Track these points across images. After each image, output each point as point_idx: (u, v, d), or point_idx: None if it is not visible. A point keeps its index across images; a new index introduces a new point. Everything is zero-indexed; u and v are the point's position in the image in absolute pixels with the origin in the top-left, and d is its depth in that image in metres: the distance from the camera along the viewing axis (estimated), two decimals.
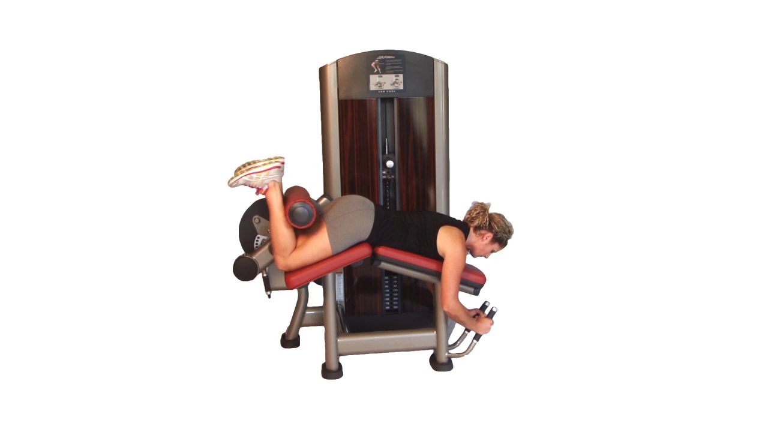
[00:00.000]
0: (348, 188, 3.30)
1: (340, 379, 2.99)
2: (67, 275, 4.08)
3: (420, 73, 3.28)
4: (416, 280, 3.33)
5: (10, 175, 4.25)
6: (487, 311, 3.07)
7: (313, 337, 3.47)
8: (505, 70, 4.50)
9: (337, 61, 3.22)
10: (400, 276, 3.41)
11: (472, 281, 2.99)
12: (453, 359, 3.09)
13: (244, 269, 2.98)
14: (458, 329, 3.27)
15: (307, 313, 3.46)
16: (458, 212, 3.21)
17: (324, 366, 3.02)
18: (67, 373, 3.04)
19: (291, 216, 2.80)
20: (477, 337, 2.99)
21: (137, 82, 4.32)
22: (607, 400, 2.73)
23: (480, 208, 3.04)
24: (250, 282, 3.17)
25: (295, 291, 3.45)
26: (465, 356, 3.05)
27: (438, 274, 2.93)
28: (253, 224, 3.07)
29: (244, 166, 2.81)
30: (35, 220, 4.25)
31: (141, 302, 3.86)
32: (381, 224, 2.90)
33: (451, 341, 3.15)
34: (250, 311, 3.80)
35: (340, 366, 3.02)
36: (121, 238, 4.32)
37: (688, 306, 3.76)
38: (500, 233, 3.01)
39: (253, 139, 4.19)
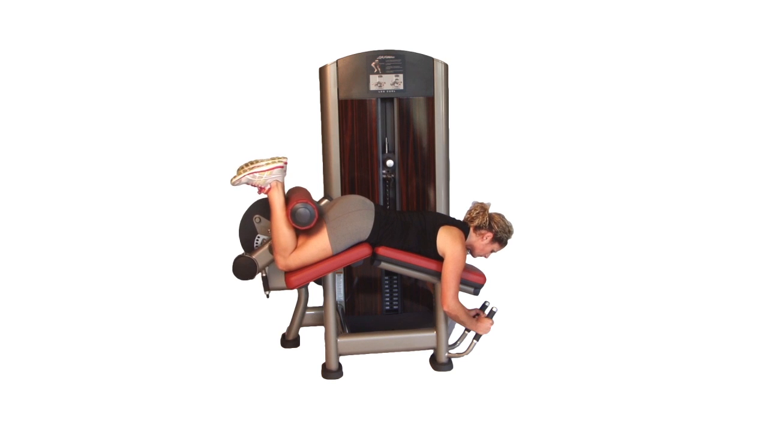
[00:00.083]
0: (348, 188, 3.30)
1: (340, 379, 2.99)
2: (67, 275, 4.08)
3: (420, 73, 3.28)
4: (416, 280, 3.33)
5: (10, 175, 4.25)
6: (487, 311, 3.07)
7: (313, 337, 3.47)
8: (505, 70, 4.50)
9: (337, 61, 3.22)
10: (400, 276, 3.41)
11: (472, 281, 2.99)
12: (453, 359, 3.09)
13: (243, 268, 2.98)
14: (458, 329, 3.27)
15: (307, 313, 3.46)
16: (458, 212, 3.21)
17: (324, 366, 3.02)
18: (66, 373, 3.04)
19: (293, 216, 2.80)
20: (477, 337, 2.99)
21: (138, 82, 4.32)
22: (607, 399, 2.73)
23: (480, 208, 3.04)
24: (249, 282, 3.17)
25: (295, 291, 3.45)
26: (465, 356, 3.05)
27: (438, 274, 2.93)
28: (253, 224, 3.07)
29: (247, 165, 2.81)
30: (36, 220, 4.25)
31: (141, 302, 3.86)
32: (381, 224, 2.90)
33: (451, 341, 3.15)
34: (250, 311, 3.80)
35: (340, 366, 3.02)
36: (121, 237, 4.32)
37: (688, 305, 3.76)
38: (500, 233, 3.01)
39: (254, 139, 4.19)
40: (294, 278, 2.87)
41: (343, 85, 3.24)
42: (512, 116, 4.56)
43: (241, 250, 3.09)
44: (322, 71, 3.26)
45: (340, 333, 3.03)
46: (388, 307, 3.45)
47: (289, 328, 3.41)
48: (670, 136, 4.64)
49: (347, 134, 3.27)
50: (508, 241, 3.07)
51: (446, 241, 2.90)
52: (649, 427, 2.53)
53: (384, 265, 2.94)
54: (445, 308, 2.87)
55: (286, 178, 2.91)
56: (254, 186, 2.84)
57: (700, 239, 4.46)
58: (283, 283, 3.08)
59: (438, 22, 4.39)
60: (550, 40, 4.51)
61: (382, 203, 3.37)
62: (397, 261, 2.92)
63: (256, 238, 3.07)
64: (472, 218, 3.03)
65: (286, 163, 2.86)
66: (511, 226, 3.05)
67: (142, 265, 4.21)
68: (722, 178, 4.60)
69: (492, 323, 2.98)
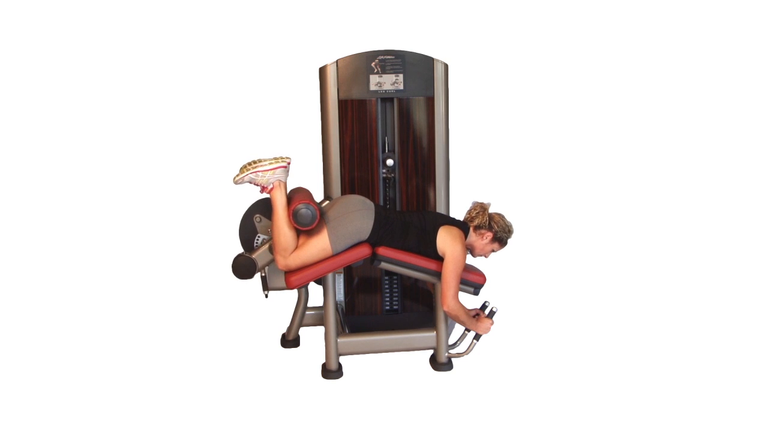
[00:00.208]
0: (348, 188, 3.30)
1: (340, 379, 2.99)
2: (67, 274, 4.08)
3: (420, 73, 3.27)
4: (416, 280, 3.33)
5: (10, 175, 4.25)
6: (487, 311, 3.07)
7: (313, 337, 3.47)
8: (505, 70, 4.50)
9: (337, 61, 3.22)
10: (400, 276, 3.41)
11: (472, 281, 2.99)
12: (453, 359, 3.09)
13: (242, 267, 2.99)
14: (458, 329, 3.27)
15: (307, 313, 3.46)
16: (458, 212, 3.21)
17: (324, 366, 3.02)
18: (66, 373, 3.04)
19: (295, 217, 2.80)
20: (477, 337, 2.99)
21: (139, 82, 4.32)
22: (607, 399, 2.73)
23: (480, 208, 3.04)
24: (249, 281, 3.17)
25: (295, 291, 3.45)
26: (465, 356, 3.05)
27: (438, 274, 2.93)
28: (254, 223, 3.07)
29: (250, 164, 2.81)
30: (36, 220, 4.25)
31: (141, 301, 3.86)
32: (381, 224, 2.90)
33: (451, 341, 3.15)
34: (250, 311, 3.80)
35: (340, 366, 3.02)
36: (121, 237, 4.32)
37: (688, 305, 3.76)
38: (500, 233, 3.01)
39: (254, 139, 4.19)
40: (294, 278, 2.87)
41: (343, 85, 3.24)
42: (512, 116, 4.56)
43: (241, 250, 3.09)
44: (322, 71, 3.26)
45: (340, 333, 3.03)
46: (388, 307, 3.45)
47: (289, 328, 3.41)
48: (670, 136, 4.64)
49: (347, 134, 3.27)
50: (508, 240, 3.07)
51: (446, 240, 2.90)
52: (649, 427, 2.53)
53: (384, 265, 2.94)
54: (445, 308, 2.87)
55: (287, 178, 2.91)
56: (257, 185, 2.84)
57: (699, 239, 4.46)
58: (282, 283, 3.09)
59: (438, 22, 4.39)
60: (550, 40, 4.52)
61: (382, 203, 3.36)
62: (397, 261, 2.92)
63: (257, 237, 3.07)
64: (472, 218, 3.03)
65: (289, 163, 2.86)
66: (510, 226, 3.05)
67: (142, 264, 4.21)
68: (722, 177, 4.60)
69: (492, 323, 2.98)
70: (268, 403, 2.75)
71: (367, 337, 3.03)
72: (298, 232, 2.88)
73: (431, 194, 3.36)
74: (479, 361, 3.13)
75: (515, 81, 4.50)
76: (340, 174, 3.29)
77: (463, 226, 3.01)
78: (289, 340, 3.41)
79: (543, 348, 3.28)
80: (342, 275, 3.39)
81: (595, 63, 4.55)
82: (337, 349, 2.99)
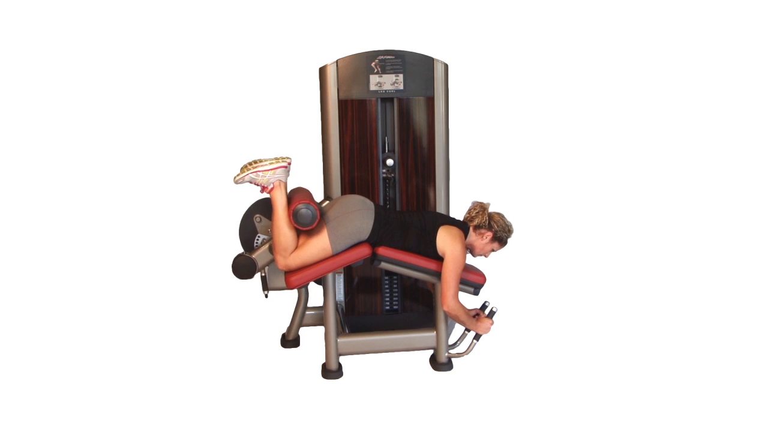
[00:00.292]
0: (348, 188, 3.30)
1: (340, 379, 2.98)
2: (67, 274, 4.08)
3: (420, 73, 3.27)
4: (416, 280, 3.33)
5: (10, 175, 4.25)
6: (487, 311, 3.07)
7: (313, 337, 3.47)
8: (505, 70, 4.50)
9: (337, 61, 3.22)
10: (400, 276, 3.41)
11: (472, 281, 2.99)
12: (453, 359, 3.09)
13: (242, 267, 2.99)
14: (458, 329, 3.27)
15: (307, 313, 3.46)
16: (458, 212, 3.21)
17: (324, 366, 3.02)
18: (66, 373, 3.03)
19: (295, 217, 2.80)
20: (477, 337, 2.99)
21: (139, 83, 4.32)
22: (607, 399, 2.73)
23: (479, 208, 3.04)
24: (249, 281, 3.17)
25: (295, 291, 3.45)
26: (465, 356, 3.05)
27: (438, 274, 2.93)
28: (254, 223, 3.07)
29: (250, 164, 2.82)
30: (37, 220, 4.25)
31: (141, 301, 3.86)
32: (381, 224, 2.90)
33: (451, 341, 3.15)
34: (250, 311, 3.80)
35: (340, 366, 3.02)
36: (122, 237, 4.32)
37: (688, 305, 3.76)
38: (500, 232, 3.01)
39: (254, 139, 4.19)
40: (294, 278, 2.87)
41: (343, 85, 3.24)
42: (512, 116, 4.56)
43: (241, 250, 3.09)
44: (322, 71, 3.26)
45: (340, 333, 3.03)
46: (388, 307, 3.45)
47: (289, 328, 3.41)
48: (669, 136, 4.64)
49: (347, 134, 3.27)
50: (508, 240, 3.07)
51: (446, 240, 2.90)
52: (649, 426, 2.53)
53: (384, 265, 2.94)
54: (445, 308, 2.87)
55: (288, 178, 2.91)
56: (257, 185, 2.84)
57: (699, 238, 4.46)
58: (282, 283, 3.09)
59: (438, 22, 4.39)
60: (550, 40, 4.52)
61: (382, 203, 3.37)
62: (397, 261, 2.92)
63: (257, 237, 3.07)
64: (472, 218, 3.03)
65: (289, 164, 2.86)
66: (510, 226, 3.05)
67: (142, 264, 4.21)
68: (722, 177, 4.60)
69: (492, 323, 2.98)
70: (268, 403, 2.75)
71: (367, 337, 3.03)
72: (298, 232, 2.88)
73: (431, 194, 3.36)
74: (479, 361, 3.13)
75: (515, 81, 4.50)
76: (340, 174, 3.29)
77: (462, 226, 3.01)
78: (289, 340, 3.41)
79: (543, 348, 3.28)
80: (342, 275, 3.39)
81: (595, 63, 4.55)
82: (337, 349, 2.99)
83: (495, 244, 3.05)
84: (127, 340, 3.39)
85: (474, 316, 3.01)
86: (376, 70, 3.24)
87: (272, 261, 3.00)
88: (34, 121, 4.28)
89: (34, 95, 4.25)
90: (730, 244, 4.40)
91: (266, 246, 3.00)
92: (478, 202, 3.07)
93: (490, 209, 3.05)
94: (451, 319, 3.00)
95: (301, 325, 3.41)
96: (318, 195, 3.36)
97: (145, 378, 2.98)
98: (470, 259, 3.13)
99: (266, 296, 3.14)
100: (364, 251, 2.90)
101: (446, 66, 3.32)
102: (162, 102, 4.33)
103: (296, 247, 2.87)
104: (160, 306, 3.83)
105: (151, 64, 4.32)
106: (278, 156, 2.86)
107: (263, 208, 3.07)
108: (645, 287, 4.02)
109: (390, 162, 3.35)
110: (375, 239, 2.91)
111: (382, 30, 4.26)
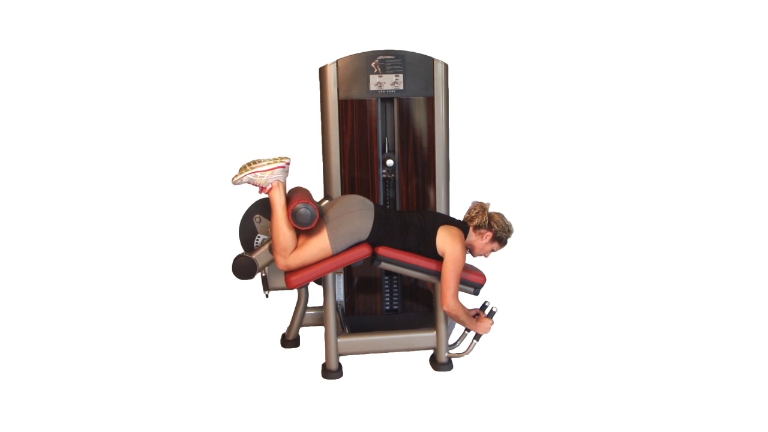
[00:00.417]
0: (348, 188, 3.30)
1: (340, 379, 2.99)
2: (67, 275, 4.08)
3: (420, 73, 3.27)
4: (416, 280, 3.33)
5: (10, 175, 4.25)
6: (487, 311, 3.07)
7: (313, 337, 3.47)
8: (505, 70, 4.50)
9: (337, 61, 3.22)
10: (400, 276, 3.41)
11: (472, 281, 2.99)
12: (453, 359, 3.09)
13: (243, 268, 2.99)
14: (458, 329, 3.27)
15: (307, 313, 3.46)
16: (458, 212, 3.21)
17: (324, 366, 3.02)
18: (66, 373, 3.04)
19: (294, 217, 2.80)
20: (477, 337, 2.99)
21: (138, 83, 4.32)
22: (607, 399, 2.73)
23: (479, 208, 3.04)
24: (249, 281, 3.17)
25: (295, 291, 3.45)
26: (465, 356, 3.04)
27: (438, 274, 2.93)
28: (253, 223, 3.07)
29: (249, 164, 2.82)
30: (37, 220, 4.25)
31: (141, 302, 3.86)
32: (381, 224, 2.90)
33: (451, 341, 3.15)
34: (250, 311, 3.80)
35: (340, 366, 3.02)
36: (121, 237, 4.32)
37: (688, 305, 3.76)
38: (500, 232, 3.01)
39: (254, 139, 4.19)
40: (294, 278, 2.87)
41: (343, 85, 3.24)
42: (512, 116, 4.56)
43: (241, 250, 3.09)
44: (322, 71, 3.26)
45: (340, 333, 3.03)
46: (388, 307, 3.45)
47: (289, 328, 3.41)
48: (669, 136, 4.64)
49: (347, 134, 3.27)
50: (508, 240, 3.07)
51: (446, 240, 2.90)
52: (649, 426, 2.53)
53: (384, 265, 2.94)
54: (445, 308, 2.87)
55: (287, 178, 2.91)
56: (255, 185, 2.84)
57: (699, 238, 4.46)
58: (282, 283, 3.09)
59: (438, 22, 4.39)
60: (550, 40, 4.52)
61: (382, 203, 3.37)
62: (397, 261, 2.92)
63: (257, 237, 3.07)
64: (472, 218, 3.03)
65: (288, 164, 2.86)
66: (510, 226, 3.05)
67: (142, 265, 4.21)
68: (722, 177, 4.60)
69: (492, 323, 2.98)
70: (268, 403, 2.75)
71: (367, 337, 3.03)
72: (298, 232, 2.88)
73: (431, 194, 3.36)
74: (479, 361, 3.13)
75: (515, 81, 4.50)
76: (340, 174, 3.29)
77: (462, 226, 3.01)
78: (289, 340, 3.41)
79: (543, 348, 3.28)
80: (342, 275, 3.39)
81: (595, 63, 4.55)
82: (337, 349, 2.99)
83: (495, 244, 3.05)
84: (127, 341, 3.39)
85: (474, 316, 3.01)
86: (376, 70, 3.24)
87: (272, 261, 2.99)
88: (34, 122, 4.28)
89: (33, 96, 4.25)
90: (729, 244, 4.40)
91: (266, 246, 3.00)
92: (478, 202, 3.07)
93: (490, 209, 3.05)
94: (451, 319, 3.00)
95: (301, 325, 3.41)
96: (318, 195, 3.36)
97: (145, 378, 2.98)
98: (470, 259, 3.13)
99: (267, 296, 3.14)
100: (364, 251, 2.90)
101: (446, 66, 3.32)
102: (162, 102, 4.33)
103: (296, 247, 2.87)
104: (160, 306, 3.83)
105: (151, 64, 4.32)
106: (276, 156, 2.86)
107: (263, 208, 3.07)
108: (645, 287, 4.02)
109: (390, 162, 3.35)
110: (375, 239, 2.91)
111: (382, 30, 4.26)
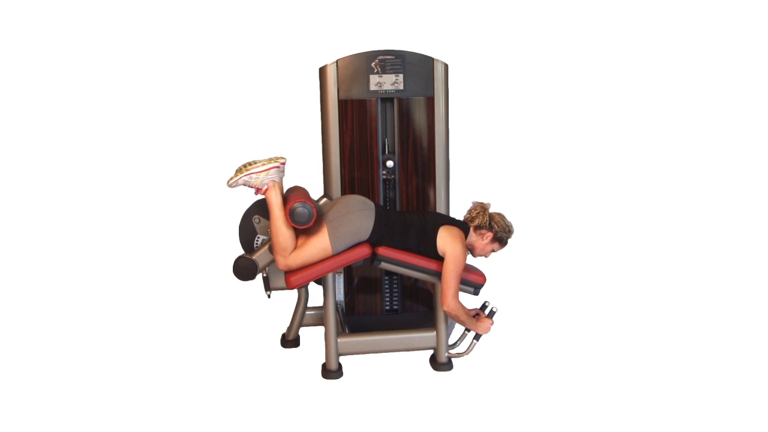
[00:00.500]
0: (348, 188, 3.30)
1: (340, 379, 2.99)
2: (67, 275, 4.08)
3: (420, 73, 3.27)
4: (416, 280, 3.33)
5: (10, 175, 4.25)
6: (487, 311, 3.07)
7: (313, 337, 3.47)
8: (505, 70, 4.50)
9: (337, 61, 3.22)
10: (400, 276, 3.41)
11: (472, 281, 2.99)
12: (453, 359, 3.09)
13: (244, 269, 2.98)
14: (458, 329, 3.27)
15: (307, 313, 3.46)
16: (458, 212, 3.21)
17: (324, 366, 3.02)
18: (66, 373, 3.04)
19: (291, 216, 2.80)
20: (477, 337, 2.99)
21: (138, 83, 4.32)
22: (607, 399, 2.73)
23: (480, 208, 3.04)
24: (250, 282, 3.17)
25: (295, 291, 3.45)
26: (465, 356, 3.04)
27: (438, 274, 2.93)
28: (253, 224, 3.07)
29: (244, 166, 2.81)
30: (36, 220, 4.25)
31: (141, 302, 3.86)
32: (381, 224, 2.90)
33: (451, 341, 3.15)
34: (250, 311, 3.80)
35: (340, 366, 3.02)
36: (121, 238, 4.32)
37: (688, 305, 3.76)
38: (500, 233, 3.01)
39: (254, 139, 4.19)
40: (294, 278, 2.87)
41: (343, 85, 3.24)
42: (512, 116, 4.56)
43: (241, 251, 3.09)
44: (322, 71, 3.26)
45: (340, 333, 3.03)
46: (388, 307, 3.45)
47: (289, 328, 3.41)
48: (669, 136, 4.64)
49: (347, 134, 3.27)
50: (509, 240, 3.07)
51: (446, 240, 2.90)
52: (649, 426, 2.53)
53: (384, 265, 2.94)
54: (445, 308, 2.87)
55: (285, 179, 2.91)
56: (251, 187, 2.83)
57: (699, 238, 4.46)
58: (283, 283, 3.09)
59: (438, 22, 4.39)
60: (550, 40, 4.52)
61: (382, 203, 3.37)
62: (397, 261, 2.92)
63: (256, 238, 3.07)
64: (472, 218, 3.03)
65: (283, 164, 2.85)
66: (511, 226, 3.05)
67: (142, 266, 4.21)
68: (721, 177, 4.60)
69: (492, 323, 2.98)
70: (268, 403, 2.75)
71: (367, 337, 3.03)
72: (297, 232, 2.88)
73: (431, 194, 3.36)
74: (479, 361, 3.13)
75: (515, 81, 4.50)
76: (340, 174, 3.29)
77: (463, 226, 3.01)
78: (289, 340, 3.41)
79: (543, 348, 3.28)
80: (342, 275, 3.39)
81: (595, 63, 4.56)
82: (337, 349, 2.99)
83: (495, 245, 3.05)
84: (128, 341, 3.39)
85: (474, 316, 3.01)
86: (376, 70, 3.24)
87: (273, 261, 2.99)
88: (34, 122, 4.28)
89: (33, 96, 4.25)
90: (729, 244, 4.40)
91: (266, 247, 3.00)
92: (478, 203, 3.07)
93: (491, 209, 3.05)
94: (451, 319, 3.00)
95: (301, 325, 3.41)
96: (318, 196, 3.35)
97: (145, 378, 2.98)
98: (470, 259, 3.13)
99: (269, 296, 3.14)
100: (364, 251, 2.90)
101: (446, 66, 3.32)
102: (162, 103, 4.33)
103: (296, 247, 2.87)
104: (161, 307, 3.83)
105: (151, 64, 4.32)
106: (272, 157, 2.85)
107: (262, 208, 3.06)
108: (645, 287, 4.02)
109: (390, 164, 3.35)
110: (375, 239, 2.91)
111: (382, 30, 4.26)
